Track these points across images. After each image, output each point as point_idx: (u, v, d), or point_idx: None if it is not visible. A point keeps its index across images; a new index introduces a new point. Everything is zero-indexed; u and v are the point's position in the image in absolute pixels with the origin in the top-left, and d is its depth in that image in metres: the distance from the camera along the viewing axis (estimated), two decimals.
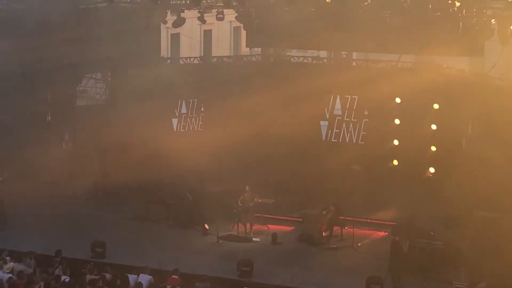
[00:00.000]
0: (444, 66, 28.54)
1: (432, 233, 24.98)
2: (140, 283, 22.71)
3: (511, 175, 23.98)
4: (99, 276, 23.06)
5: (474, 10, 26.22)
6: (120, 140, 30.17)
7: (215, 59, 34.66)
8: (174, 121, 32.66)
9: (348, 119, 30.12)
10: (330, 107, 30.39)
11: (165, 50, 38.12)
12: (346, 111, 30.15)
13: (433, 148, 27.63)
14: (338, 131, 30.32)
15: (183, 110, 32.69)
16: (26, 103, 30.89)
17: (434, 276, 23.84)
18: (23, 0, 29.92)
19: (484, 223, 24.11)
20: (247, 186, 28.94)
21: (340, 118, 30.29)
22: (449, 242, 24.37)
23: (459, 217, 24.57)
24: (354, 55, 32.35)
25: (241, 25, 32.33)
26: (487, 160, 25.20)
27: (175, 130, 32.64)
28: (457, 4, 25.54)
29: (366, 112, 29.71)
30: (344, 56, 31.64)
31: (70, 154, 31.44)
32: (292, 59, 31.56)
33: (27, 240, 26.60)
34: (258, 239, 28.38)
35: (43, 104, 31.85)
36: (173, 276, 23.37)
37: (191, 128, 32.65)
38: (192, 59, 33.13)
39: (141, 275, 23.28)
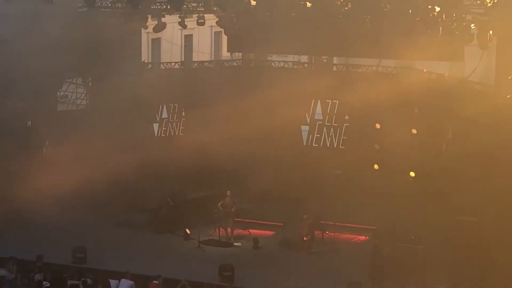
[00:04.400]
0: (425, 71, 28.73)
1: (412, 237, 25.16)
2: None
3: (490, 179, 24.13)
4: (80, 281, 23.06)
5: (454, 15, 26.40)
6: (101, 145, 30.13)
7: (196, 64, 34.76)
8: (155, 126, 32.66)
9: (329, 124, 30.24)
10: (311, 111, 30.49)
11: (145, 55, 38.16)
12: (327, 115, 30.25)
13: (414, 153, 27.76)
14: (319, 135, 30.41)
15: (164, 115, 32.69)
16: (5, 108, 30.81)
17: (415, 279, 23.98)
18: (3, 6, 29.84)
19: (464, 227, 24.27)
20: (228, 191, 29.00)
21: (321, 122, 30.40)
22: (430, 246, 24.54)
23: (440, 221, 24.70)
24: (335, 60, 32.52)
25: (222, 30, 32.39)
26: (467, 164, 25.39)
27: (156, 135, 32.64)
28: (437, 9, 25.70)
29: (346, 117, 29.83)
30: (325, 61, 31.80)
31: (51, 160, 31.33)
32: (273, 64, 31.68)
33: (8, 245, 26.56)
34: (239, 244, 28.46)
35: (24, 109, 31.75)
36: (154, 282, 23.37)
37: (172, 133, 32.65)
38: (173, 64, 33.18)
39: (122, 280, 23.28)
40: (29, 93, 30.10)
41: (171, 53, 39.99)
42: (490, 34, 25.76)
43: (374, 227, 26.96)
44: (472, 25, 26.28)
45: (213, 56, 42.36)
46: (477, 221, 24.25)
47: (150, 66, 34.41)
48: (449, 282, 23.52)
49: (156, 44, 39.36)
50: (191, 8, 30.77)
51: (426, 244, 24.72)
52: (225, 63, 33.77)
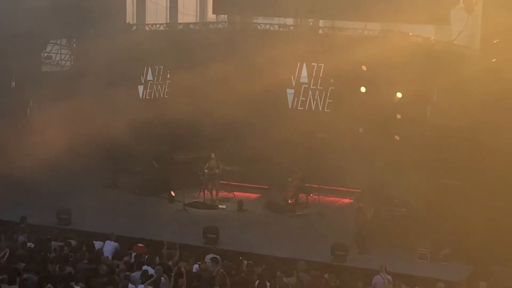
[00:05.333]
0: (410, 34, 28.68)
1: (396, 201, 25.31)
2: (103, 250, 22.81)
3: (474, 143, 24.22)
4: (64, 243, 23.13)
5: None
6: (86, 107, 30.04)
7: (181, 26, 34.56)
8: (140, 88, 32.56)
9: (314, 87, 30.20)
10: (296, 75, 30.42)
11: (130, 16, 37.91)
12: (313, 79, 30.20)
13: (398, 116, 27.81)
14: (304, 99, 30.40)
15: (149, 77, 32.59)
16: None
17: (399, 242, 24.16)
18: None
19: (448, 190, 24.43)
20: (213, 154, 29.07)
21: (306, 86, 30.35)
22: (414, 209, 24.70)
23: (424, 185, 24.82)
24: (321, 22, 32.37)
25: None
26: (451, 128, 25.46)
27: (141, 97, 32.55)
28: None
29: (332, 80, 29.79)
30: (311, 23, 31.67)
31: (35, 121, 31.22)
32: (258, 26, 31.52)
33: None
34: (224, 206, 28.59)
35: (7, 71, 31.58)
36: (138, 245, 23.48)
37: (157, 95, 32.57)
38: (158, 25, 32.98)
39: (106, 241, 23.38)
40: (12, 53, 29.91)
41: (156, 14, 39.72)
42: None
43: (359, 190, 27.08)
44: None
45: (198, 18, 42.11)
46: (461, 184, 24.40)
47: (135, 27, 34.21)
48: (432, 245, 23.70)
49: (141, 5, 39.04)
50: None
51: (410, 208, 24.87)
52: (211, 25, 33.63)
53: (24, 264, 21.34)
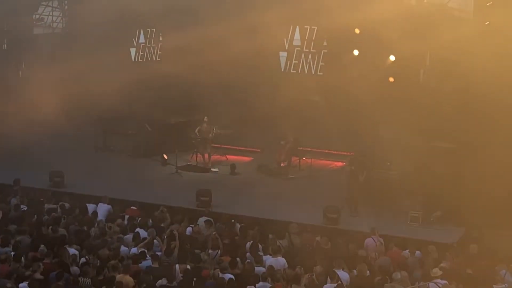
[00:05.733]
0: None
1: (388, 164, 25.33)
2: (96, 212, 22.88)
3: (466, 106, 24.22)
4: (57, 205, 23.17)
5: None
6: (78, 70, 29.94)
7: None
8: (133, 51, 32.42)
9: (307, 50, 30.13)
10: (289, 37, 30.34)
11: None
12: (305, 41, 30.12)
13: (391, 79, 27.75)
14: (297, 62, 30.33)
15: (141, 40, 32.45)
16: None
17: (390, 205, 24.24)
18: None
19: (440, 153, 24.45)
20: (205, 117, 29.04)
21: (299, 49, 30.28)
22: (405, 172, 24.74)
23: (416, 148, 24.84)
24: None
25: None
26: (444, 91, 25.42)
27: (133, 60, 32.42)
28: None
29: (325, 43, 29.72)
30: None
31: (27, 83, 31.14)
32: None
33: None
34: (216, 170, 28.62)
35: None
36: (131, 207, 23.55)
37: (149, 58, 32.46)
38: None
39: (99, 204, 23.45)
40: (3, 16, 29.76)
41: None
42: None
43: (351, 153, 27.10)
44: None
45: None
46: (453, 147, 24.43)
47: None
48: (423, 208, 23.79)
49: None
50: None
51: (402, 171, 24.90)
52: None
53: (17, 226, 21.39)
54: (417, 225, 23.47)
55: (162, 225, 22.05)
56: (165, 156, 28.84)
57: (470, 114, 23.98)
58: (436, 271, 18.77)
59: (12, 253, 19.45)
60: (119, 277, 18.39)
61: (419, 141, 25.11)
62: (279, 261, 19.80)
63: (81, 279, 18.40)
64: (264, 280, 18.59)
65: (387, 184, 24.79)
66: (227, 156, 29.72)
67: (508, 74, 23.63)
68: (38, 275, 18.40)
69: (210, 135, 28.82)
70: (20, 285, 18.07)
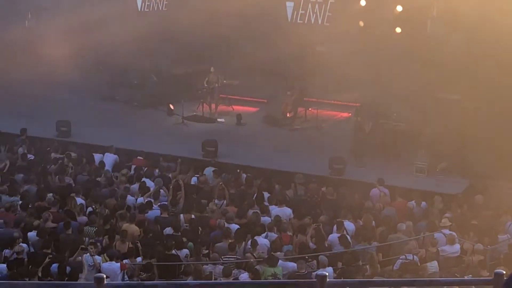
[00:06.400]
0: None
1: (395, 114, 25.27)
2: (103, 162, 22.91)
3: (472, 58, 24.08)
4: (64, 155, 23.21)
5: None
6: (84, 20, 29.77)
7: None
8: (139, 1, 32.18)
9: (314, 0, 29.88)
10: None
11: None
12: None
13: (398, 30, 27.58)
14: (303, 12, 30.09)
15: None
16: None
17: (396, 156, 24.24)
18: None
19: (445, 104, 24.38)
20: (212, 67, 28.93)
21: None
22: (411, 123, 24.69)
23: (421, 99, 24.78)
24: None
25: None
26: (450, 43, 25.28)
27: (139, 9, 32.20)
28: None
29: None
30: None
31: (33, 34, 31.00)
32: None
33: None
34: (223, 120, 28.58)
35: None
36: (138, 157, 23.56)
37: (155, 8, 32.22)
38: None
39: (106, 154, 23.48)
40: None
41: None
42: None
43: (357, 104, 27.02)
44: None
45: None
46: (458, 98, 24.36)
47: None
48: (429, 159, 23.76)
49: None
50: None
51: (408, 122, 24.85)
52: None
53: (24, 175, 21.45)
54: (423, 176, 23.45)
55: (169, 175, 22.07)
56: (171, 106, 28.75)
57: (475, 65, 23.85)
58: (445, 221, 18.83)
59: (20, 202, 19.54)
60: (125, 226, 18.49)
61: (425, 92, 25.05)
62: (285, 211, 19.89)
63: (86, 228, 18.49)
64: (271, 230, 18.68)
65: (393, 135, 24.79)
66: (233, 107, 29.63)
67: None
68: (49, 224, 18.51)
69: (216, 85, 28.72)
70: (29, 234, 18.17)
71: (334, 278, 15.94)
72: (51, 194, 19.96)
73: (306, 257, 17.55)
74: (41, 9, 31.37)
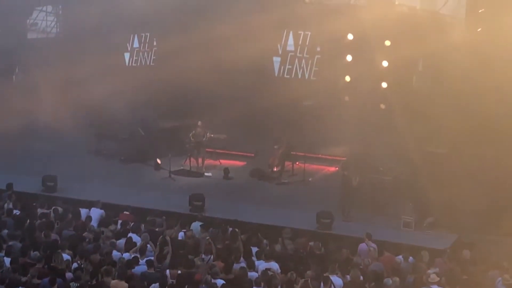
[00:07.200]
0: (396, 3, 28.47)
1: (381, 169, 25.25)
2: (90, 217, 22.71)
3: (459, 112, 24.15)
4: (50, 210, 23.00)
5: None
6: (71, 74, 29.79)
7: None
8: (126, 56, 32.27)
9: (301, 55, 30.01)
10: (283, 42, 30.23)
11: None
12: (299, 47, 30.01)
13: (384, 85, 27.69)
14: (290, 67, 30.22)
15: (135, 45, 32.29)
16: None
17: (383, 211, 24.15)
18: None
19: (433, 158, 24.38)
20: (199, 121, 28.91)
21: (292, 54, 30.16)
22: (398, 177, 24.65)
23: (409, 153, 24.77)
24: None
25: None
26: (437, 97, 25.35)
27: (127, 64, 32.27)
28: None
29: (318, 48, 29.61)
30: None
31: (21, 87, 30.98)
32: None
33: None
34: (210, 174, 28.49)
35: None
36: (124, 212, 23.39)
37: (143, 63, 32.31)
38: None
39: (92, 209, 23.29)
40: None
41: None
42: None
43: (344, 158, 27.00)
44: None
45: None
46: (446, 152, 24.35)
47: None
48: (417, 214, 23.68)
49: None
50: None
51: (395, 176, 24.82)
52: None
53: (9, 231, 21.21)
54: (410, 231, 23.35)
55: (156, 230, 21.88)
56: (158, 161, 28.72)
57: (462, 119, 23.90)
58: (434, 277, 18.66)
59: (4, 258, 19.28)
60: (113, 282, 18.23)
61: (412, 146, 25.06)
62: (272, 266, 19.67)
63: (73, 284, 18.23)
64: (258, 285, 18.46)
65: (380, 189, 24.72)
66: (221, 161, 29.58)
67: (500, 79, 23.59)
68: (35, 280, 18.25)
69: (203, 139, 28.68)
70: None
71: None
72: (36, 252, 19.70)
73: None
74: (29, 63, 31.37)
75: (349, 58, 28.45)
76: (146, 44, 32.20)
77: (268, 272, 19.04)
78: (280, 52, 30.35)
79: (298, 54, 30.10)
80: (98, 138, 30.54)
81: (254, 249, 20.60)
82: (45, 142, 29.32)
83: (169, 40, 30.47)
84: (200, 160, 28.89)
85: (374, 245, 21.12)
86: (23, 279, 18.32)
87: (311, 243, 21.43)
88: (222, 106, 29.58)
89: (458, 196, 22.96)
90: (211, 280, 18.55)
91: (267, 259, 19.93)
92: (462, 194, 22.82)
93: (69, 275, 18.78)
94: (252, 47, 28.71)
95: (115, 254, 20.16)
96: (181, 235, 21.79)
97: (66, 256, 19.52)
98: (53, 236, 21.05)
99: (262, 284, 18.52)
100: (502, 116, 23.40)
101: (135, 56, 32.27)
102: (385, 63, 27.61)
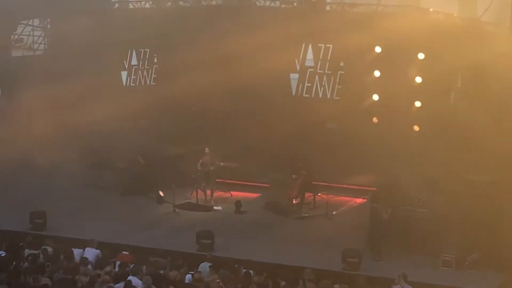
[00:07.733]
0: (431, 10, 28.53)
1: (416, 200, 25.15)
2: (86, 258, 22.64)
3: (505, 133, 24.07)
4: (39, 251, 22.96)
5: None
6: (62, 96, 29.90)
7: (169, 3, 34.34)
8: (124, 74, 32.40)
9: (322, 71, 30.07)
10: (301, 57, 30.30)
11: None
12: (319, 62, 30.08)
13: (418, 104, 27.70)
14: (310, 85, 30.28)
15: (134, 62, 32.44)
16: None
17: (419, 247, 24.01)
18: None
19: (476, 188, 24.24)
20: (207, 148, 28.93)
21: (312, 70, 30.24)
22: (436, 210, 24.53)
23: (447, 182, 24.68)
24: None
25: None
26: (479, 116, 25.28)
27: (124, 84, 32.40)
28: None
29: (341, 63, 29.67)
30: None
31: (5, 112, 31.12)
32: (258, 2, 31.32)
33: None
34: (219, 208, 28.51)
35: None
36: (123, 252, 23.36)
37: (142, 82, 32.45)
38: (143, 3, 32.78)
39: (87, 249, 23.26)
40: None
41: None
42: None
43: (373, 189, 26.95)
44: None
45: None
46: (490, 181, 24.22)
47: (117, 5, 33.99)
48: (458, 251, 23.53)
49: None
50: None
51: (432, 208, 24.70)
52: (203, 2, 33.36)
53: None
54: (450, 270, 23.20)
55: (160, 271, 21.83)
56: (161, 193, 28.73)
57: (509, 142, 23.80)
58: None
59: None
60: None
61: (451, 174, 24.96)
62: None
63: None
64: None
65: (415, 223, 24.59)
66: (232, 192, 29.57)
67: None
68: None
69: (212, 168, 28.67)
70: None
71: None
72: None
73: None
74: (14, 84, 31.51)
75: (377, 73, 28.53)
76: (146, 61, 32.35)
77: None
78: (298, 68, 30.43)
79: (318, 70, 30.16)
80: (92, 168, 30.60)
81: None
82: (32, 174, 29.40)
83: (172, 56, 30.62)
84: (208, 192, 28.89)
85: (409, 287, 20.99)
86: None
87: (337, 286, 21.29)
88: (233, 131, 29.65)
89: (505, 231, 22.80)
90: None
91: None
92: (510, 229, 22.64)
93: None
94: (265, 63, 28.82)
95: None
96: (188, 277, 21.70)
97: None
98: (43, 280, 20.97)
99: None
100: None
101: (134, 75, 32.42)
102: (418, 79, 27.66)
